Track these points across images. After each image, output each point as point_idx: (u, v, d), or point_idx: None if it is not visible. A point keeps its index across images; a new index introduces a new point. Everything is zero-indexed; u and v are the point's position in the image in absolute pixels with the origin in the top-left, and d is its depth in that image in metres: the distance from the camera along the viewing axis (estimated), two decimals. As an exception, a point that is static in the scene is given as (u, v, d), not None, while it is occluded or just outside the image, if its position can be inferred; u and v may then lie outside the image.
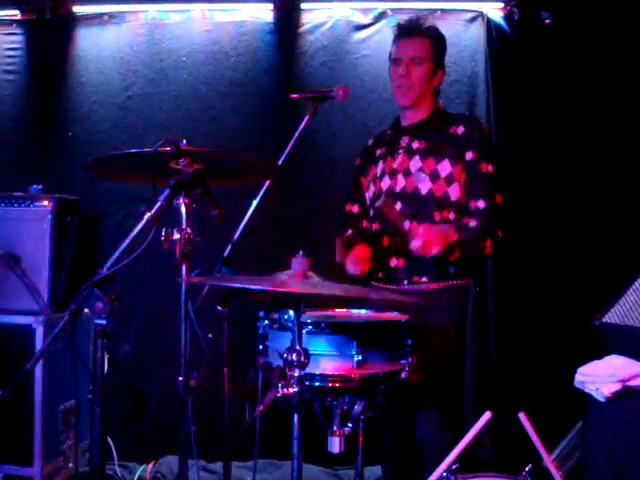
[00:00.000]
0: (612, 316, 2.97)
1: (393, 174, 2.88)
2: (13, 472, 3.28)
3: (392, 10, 4.01)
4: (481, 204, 2.76)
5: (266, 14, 4.08)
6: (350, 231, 3.04)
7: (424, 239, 2.59)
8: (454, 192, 2.80)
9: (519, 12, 3.84)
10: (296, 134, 2.69)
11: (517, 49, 3.89)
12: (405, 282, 2.82)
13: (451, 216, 2.80)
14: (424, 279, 2.81)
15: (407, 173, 2.84)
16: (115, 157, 2.20)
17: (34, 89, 4.16)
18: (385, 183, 2.90)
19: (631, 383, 2.75)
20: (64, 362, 3.16)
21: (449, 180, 2.80)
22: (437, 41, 2.92)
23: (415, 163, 2.83)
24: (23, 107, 4.16)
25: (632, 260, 3.23)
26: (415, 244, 2.60)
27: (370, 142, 3.11)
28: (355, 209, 3.07)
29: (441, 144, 2.83)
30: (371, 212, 2.98)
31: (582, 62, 3.76)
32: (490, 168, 2.80)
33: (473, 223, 2.74)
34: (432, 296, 2.76)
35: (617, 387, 2.78)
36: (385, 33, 3.99)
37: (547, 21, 3.73)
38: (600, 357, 2.93)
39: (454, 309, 2.83)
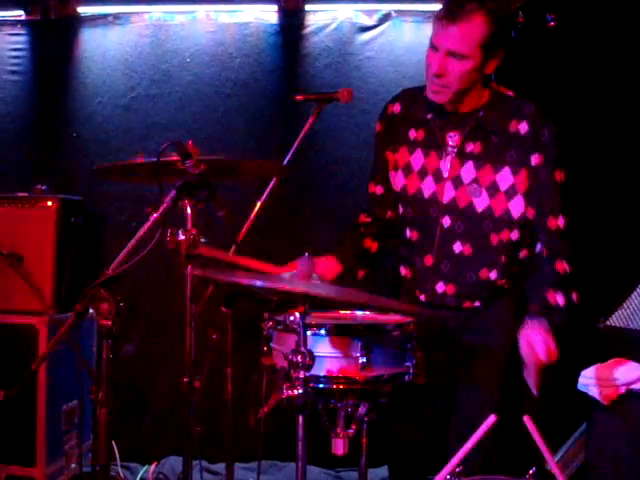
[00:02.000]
0: (616, 319, 2.96)
1: (439, 179, 2.41)
2: (16, 472, 3.29)
3: (396, 12, 4.01)
4: (561, 222, 2.37)
5: (270, 16, 4.08)
6: (363, 217, 2.64)
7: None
8: (516, 207, 2.35)
9: (523, 14, 3.83)
10: (300, 136, 2.69)
11: (521, 51, 3.88)
12: (452, 308, 2.50)
13: (513, 236, 2.39)
14: (476, 304, 2.49)
15: (458, 183, 2.38)
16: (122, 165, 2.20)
17: (38, 90, 4.17)
18: (428, 187, 2.44)
19: (635, 386, 2.76)
20: (67, 362, 3.19)
21: (510, 193, 2.34)
22: (496, 14, 2.23)
23: (468, 171, 2.36)
24: (28, 108, 4.16)
25: (636, 263, 3.22)
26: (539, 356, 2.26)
27: (395, 108, 2.54)
28: (378, 190, 2.62)
29: (500, 147, 2.35)
30: (401, 209, 2.54)
31: (588, 65, 3.75)
32: (563, 176, 2.38)
33: (560, 300, 2.36)
34: (480, 314, 2.51)
35: (621, 390, 2.78)
36: (389, 35, 4.02)
37: (551, 23, 3.73)
38: (604, 360, 2.93)
39: (505, 324, 2.52)
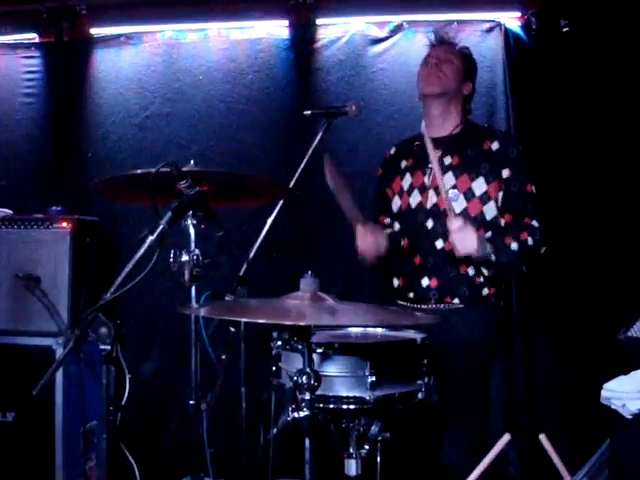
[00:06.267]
0: (637, 330, 2.89)
1: (423, 190, 2.81)
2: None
3: (408, 23, 3.97)
4: (535, 223, 2.71)
5: (282, 31, 4.07)
6: (383, 218, 3.02)
7: (463, 225, 2.55)
8: (490, 211, 2.74)
9: (537, 21, 3.79)
10: (309, 151, 2.69)
11: (536, 58, 3.83)
12: (434, 302, 2.78)
13: (487, 235, 2.71)
14: (455, 300, 2.76)
15: (438, 190, 2.73)
16: (116, 179, 2.19)
17: (53, 111, 4.18)
18: (414, 199, 2.82)
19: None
20: (86, 382, 3.19)
21: (484, 199, 2.73)
22: (469, 60, 2.93)
23: (448, 180, 2.74)
24: (42, 129, 4.18)
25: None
26: (455, 224, 2.55)
27: (392, 151, 3.05)
28: (387, 221, 3.01)
29: (475, 160, 2.76)
30: (397, 226, 2.93)
31: (602, 70, 3.69)
32: (534, 188, 2.75)
33: (514, 245, 2.65)
34: (463, 312, 2.73)
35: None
36: (401, 46, 3.98)
37: (565, 29, 3.68)
38: (626, 372, 2.86)
39: (485, 324, 2.78)
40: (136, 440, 3.62)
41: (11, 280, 3.43)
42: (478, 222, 2.70)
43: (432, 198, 2.77)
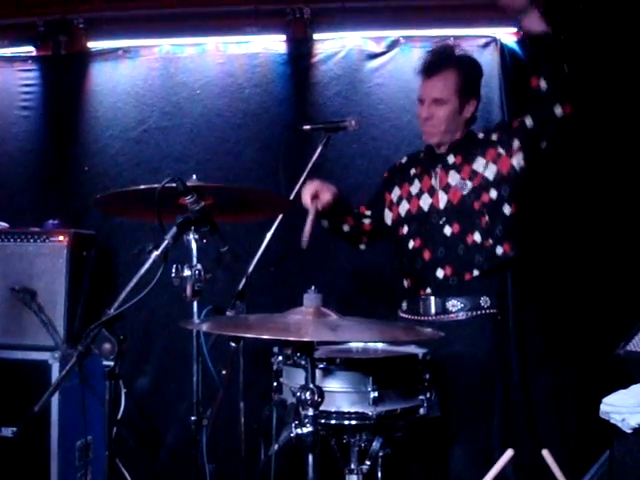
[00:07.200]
0: (637, 344, 2.89)
1: (432, 192, 2.85)
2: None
3: (405, 38, 3.99)
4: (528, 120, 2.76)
5: (279, 45, 4.08)
6: (364, 208, 3.12)
7: None
8: (490, 170, 2.78)
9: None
10: (309, 166, 2.69)
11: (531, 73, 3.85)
12: (434, 314, 2.77)
13: (492, 195, 2.78)
14: (475, 272, 2.77)
15: (447, 187, 2.82)
16: (118, 194, 2.19)
17: (50, 125, 4.17)
18: (425, 201, 2.86)
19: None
20: (80, 398, 3.16)
21: (484, 167, 2.79)
22: (465, 71, 2.85)
23: (453, 177, 2.82)
24: (39, 142, 4.16)
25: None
26: None
27: (404, 160, 3.09)
28: (367, 212, 3.09)
29: (472, 153, 2.84)
30: (406, 229, 2.92)
31: (598, 85, 3.71)
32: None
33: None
34: (462, 327, 2.72)
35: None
36: (398, 61, 3.99)
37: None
38: (626, 386, 2.86)
39: (484, 339, 2.77)
40: (131, 455, 3.61)
41: (7, 294, 3.42)
42: (481, 187, 2.77)
43: (443, 197, 2.82)
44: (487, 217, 2.76)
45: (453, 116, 2.81)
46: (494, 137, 2.85)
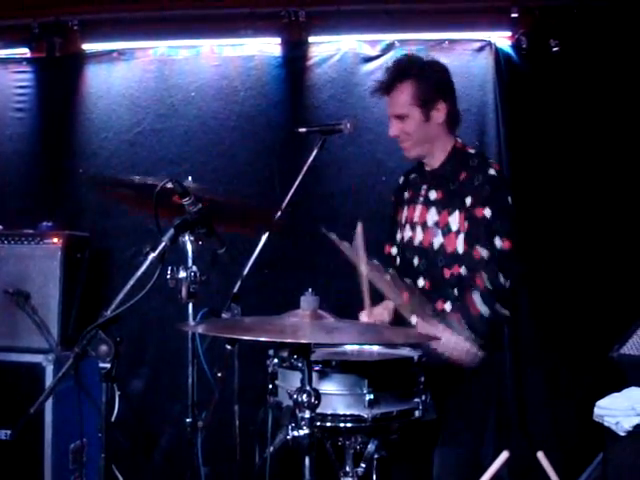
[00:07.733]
0: (630, 347, 2.91)
1: (414, 226, 2.77)
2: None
3: (399, 41, 4.00)
4: (485, 253, 2.54)
5: (274, 48, 4.09)
6: (388, 247, 2.93)
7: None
8: (460, 244, 2.61)
9: (527, 41, 3.83)
10: (304, 168, 2.68)
11: (526, 77, 3.87)
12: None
13: (462, 271, 2.59)
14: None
15: (425, 227, 2.71)
16: (116, 180, 2.16)
17: (44, 127, 4.17)
18: (407, 233, 2.79)
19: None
20: (73, 401, 3.15)
21: (457, 233, 2.62)
22: (423, 77, 2.68)
23: (432, 216, 2.70)
24: (33, 144, 4.16)
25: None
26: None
27: (401, 181, 2.98)
28: (394, 251, 2.91)
29: (455, 193, 2.66)
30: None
31: (591, 89, 3.73)
32: (486, 212, 2.57)
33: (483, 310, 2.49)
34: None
35: (637, 420, 2.72)
36: (393, 64, 4.00)
37: (555, 49, 3.72)
38: (619, 389, 2.88)
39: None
40: (125, 458, 3.60)
41: (0, 296, 3.41)
42: (454, 258, 2.61)
43: (419, 235, 2.72)
44: (456, 291, 2.62)
45: (420, 127, 2.67)
46: (467, 202, 2.62)
